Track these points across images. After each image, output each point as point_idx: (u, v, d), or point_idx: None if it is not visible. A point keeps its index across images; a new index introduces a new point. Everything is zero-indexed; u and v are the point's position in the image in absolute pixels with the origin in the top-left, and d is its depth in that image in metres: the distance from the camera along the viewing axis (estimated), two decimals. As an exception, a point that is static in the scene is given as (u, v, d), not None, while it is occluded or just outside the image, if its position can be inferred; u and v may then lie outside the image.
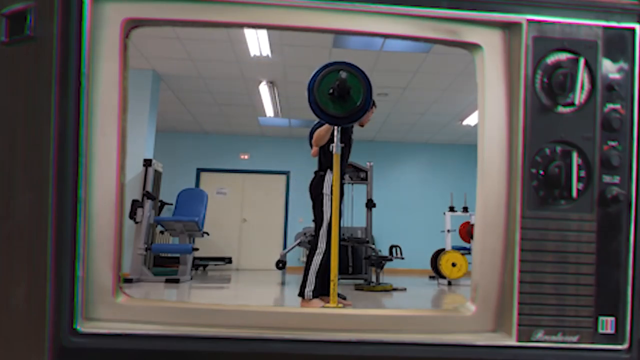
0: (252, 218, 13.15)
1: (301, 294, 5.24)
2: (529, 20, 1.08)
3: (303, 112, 9.98)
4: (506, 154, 1.09)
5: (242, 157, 13.16)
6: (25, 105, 0.99)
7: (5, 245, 1.03)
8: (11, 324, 1.02)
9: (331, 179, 5.46)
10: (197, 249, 8.75)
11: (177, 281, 7.85)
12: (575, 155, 1.08)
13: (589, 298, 1.08)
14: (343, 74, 3.53)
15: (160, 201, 9.67)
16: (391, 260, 8.62)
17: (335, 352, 1.04)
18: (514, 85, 1.08)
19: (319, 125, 5.47)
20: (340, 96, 3.67)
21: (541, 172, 1.08)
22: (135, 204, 8.17)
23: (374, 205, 8.76)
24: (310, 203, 5.64)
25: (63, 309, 0.99)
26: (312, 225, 5.64)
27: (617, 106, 1.09)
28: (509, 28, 1.09)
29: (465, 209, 9.69)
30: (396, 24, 1.06)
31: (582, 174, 1.09)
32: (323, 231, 5.44)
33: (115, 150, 1.00)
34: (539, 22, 1.08)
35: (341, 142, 5.34)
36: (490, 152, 1.09)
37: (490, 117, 1.09)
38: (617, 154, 1.08)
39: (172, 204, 9.91)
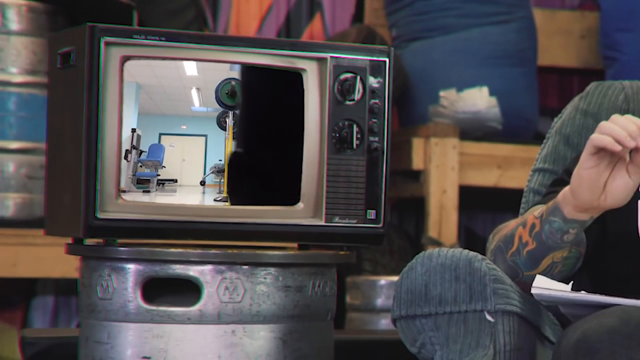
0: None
1: None
2: (331, 56, 2.04)
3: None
4: (319, 129, 2.08)
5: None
6: (69, 105, 1.94)
7: (59, 173, 1.99)
8: (62, 213, 1.99)
9: None
10: (159, 175, 9.75)
11: (149, 191, 8.90)
12: (355, 126, 2.06)
13: (362, 200, 2.07)
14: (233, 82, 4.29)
15: (140, 151, 10.70)
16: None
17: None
18: (313, 91, 2.06)
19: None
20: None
21: (337, 135, 2.06)
22: (127, 152, 9.15)
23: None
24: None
25: (89, 205, 1.85)
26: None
27: (377, 101, 2.06)
28: (321, 60, 2.06)
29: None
30: (256, 58, 2.01)
31: (359, 136, 2.05)
32: None
33: (116, 124, 1.96)
34: (336, 57, 2.04)
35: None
36: (311, 130, 2.08)
37: (311, 110, 2.07)
38: (377, 126, 2.07)
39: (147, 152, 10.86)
